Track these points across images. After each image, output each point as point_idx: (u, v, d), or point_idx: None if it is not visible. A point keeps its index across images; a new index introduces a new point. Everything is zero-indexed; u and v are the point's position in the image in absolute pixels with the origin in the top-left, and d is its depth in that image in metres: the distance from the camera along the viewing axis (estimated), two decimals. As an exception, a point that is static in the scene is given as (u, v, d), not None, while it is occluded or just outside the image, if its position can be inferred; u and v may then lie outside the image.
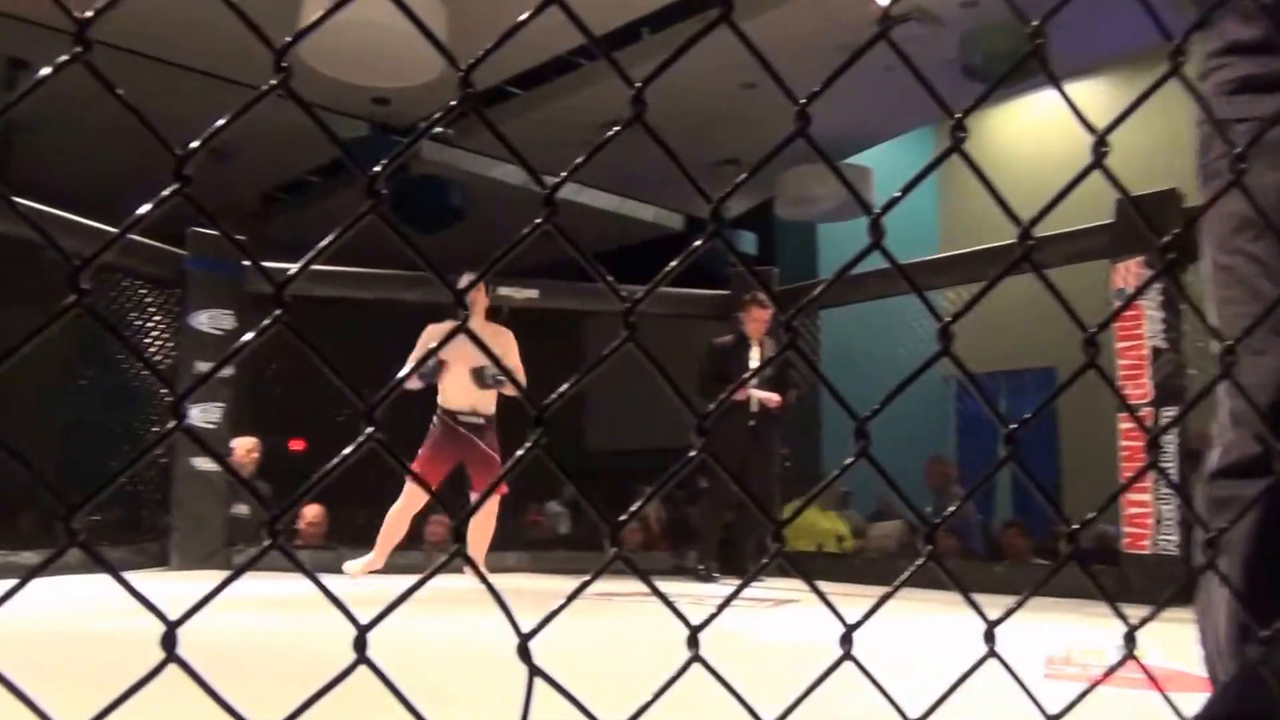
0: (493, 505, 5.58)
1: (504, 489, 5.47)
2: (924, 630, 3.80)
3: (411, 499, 5.51)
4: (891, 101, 8.92)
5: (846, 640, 0.87)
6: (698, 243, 0.78)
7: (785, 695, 0.86)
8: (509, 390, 5.59)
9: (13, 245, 5.40)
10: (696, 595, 4.95)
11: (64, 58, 0.82)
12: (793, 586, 4.92)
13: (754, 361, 6.32)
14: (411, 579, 0.82)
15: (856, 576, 5.84)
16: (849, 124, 9.41)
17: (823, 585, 0.93)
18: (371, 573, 5.60)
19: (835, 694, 0.99)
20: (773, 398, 6.30)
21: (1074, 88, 9.13)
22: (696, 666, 0.84)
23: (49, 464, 6.27)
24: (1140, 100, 0.91)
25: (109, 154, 8.94)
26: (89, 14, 0.82)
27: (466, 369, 5.46)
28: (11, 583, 0.78)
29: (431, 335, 5.48)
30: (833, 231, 11.40)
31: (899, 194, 0.85)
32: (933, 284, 6.33)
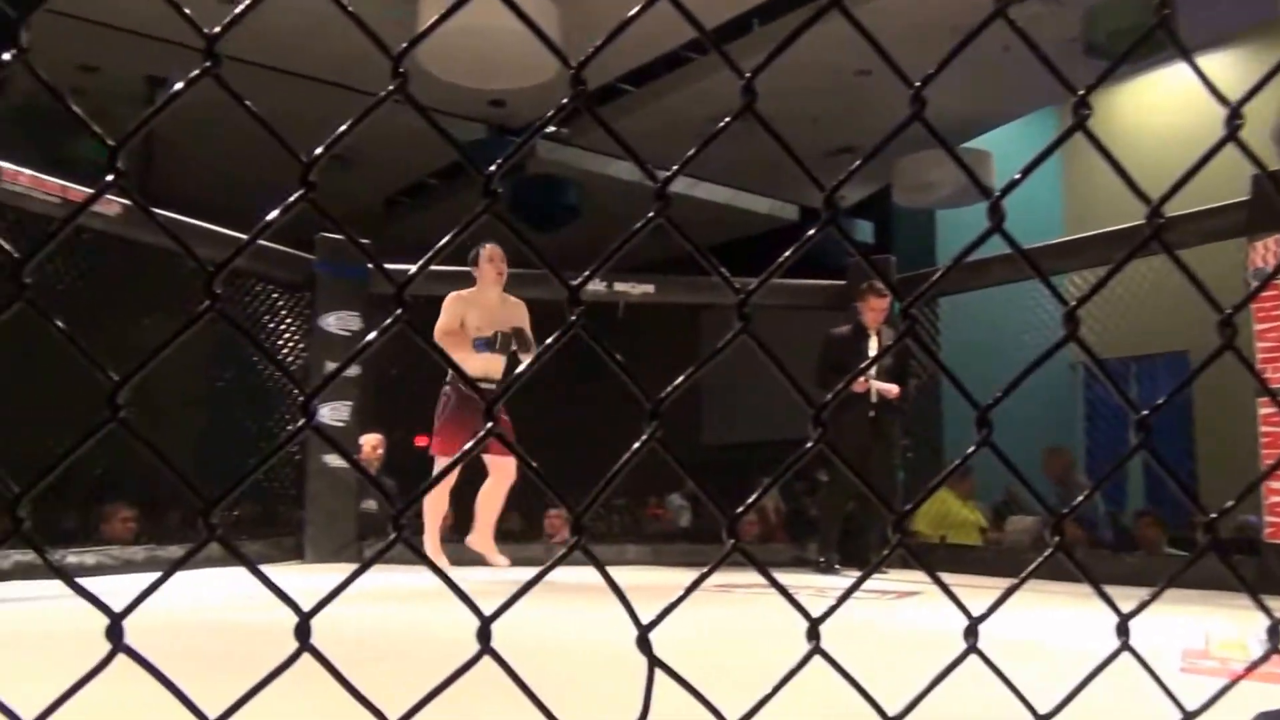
0: (506, 482, 5.56)
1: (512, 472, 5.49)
2: (1053, 623, 3.69)
3: (446, 480, 5.42)
4: (1011, 83, 8.65)
5: (972, 633, 0.86)
6: (810, 232, 0.78)
7: (908, 688, 0.85)
8: (526, 358, 5.55)
9: (156, 255, 5.67)
10: (818, 587, 4.90)
11: (195, 72, 0.86)
12: (917, 579, 4.84)
13: (873, 352, 6.22)
14: (532, 571, 0.84)
15: (983, 569, 5.68)
16: (967, 107, 9.18)
17: (948, 577, 0.91)
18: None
19: (960, 688, 0.96)
20: (892, 389, 6.19)
21: (1202, 61, 8.74)
22: (818, 659, 0.83)
23: (191, 463, 6.54)
24: (1276, 70, 0.87)
25: (244, 164, 9.30)
26: (216, 30, 0.85)
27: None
28: (157, 576, 0.82)
29: (456, 304, 5.51)
30: (952, 218, 11.13)
31: (1019, 176, 0.83)
32: (1058, 268, 6.12)
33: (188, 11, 0.87)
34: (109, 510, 6.26)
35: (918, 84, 0.78)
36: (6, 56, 0.84)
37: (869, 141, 0.87)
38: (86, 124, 0.87)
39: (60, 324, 0.85)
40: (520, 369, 5.53)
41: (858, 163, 0.85)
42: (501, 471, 5.54)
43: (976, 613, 0.87)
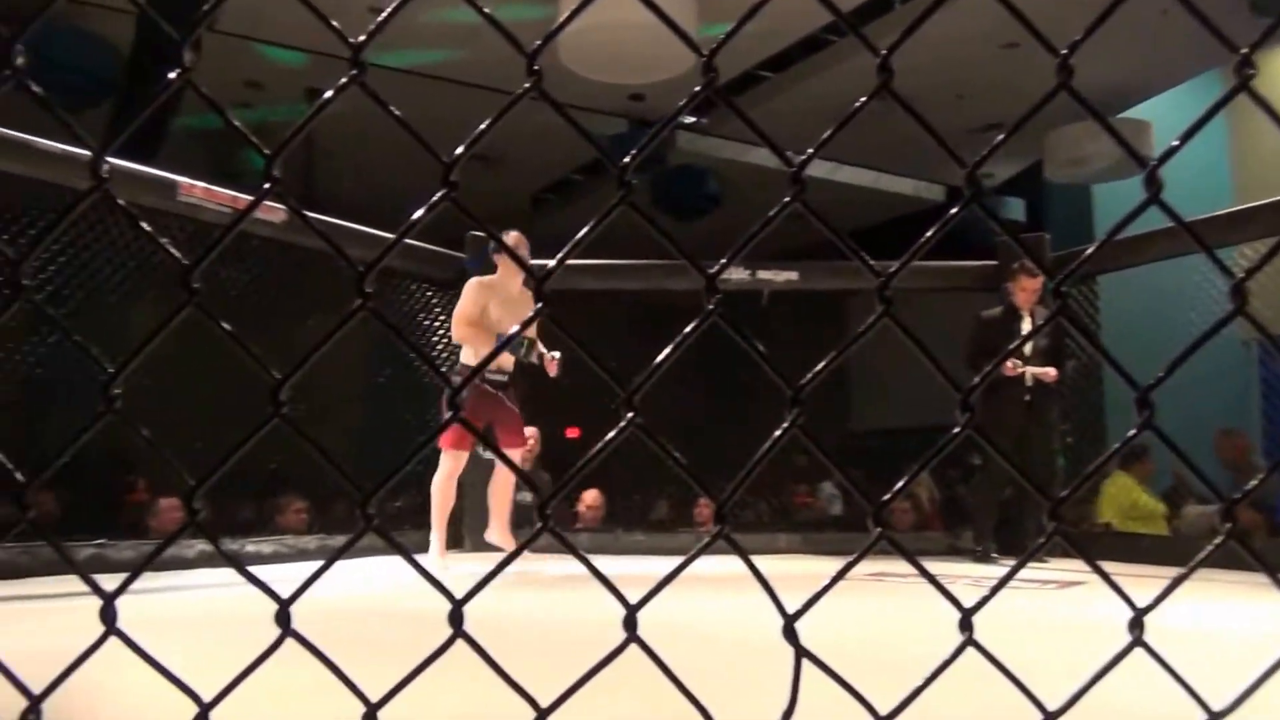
0: (512, 473, 5.50)
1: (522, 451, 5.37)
2: (1230, 615, 3.51)
3: (454, 464, 5.29)
4: (1170, 47, 8.23)
5: (1137, 624, 0.82)
6: (952, 211, 0.75)
7: (1069, 682, 0.82)
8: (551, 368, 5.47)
9: (318, 258, 5.92)
10: (974, 577, 4.77)
11: (343, 80, 0.89)
12: (1081, 568, 4.66)
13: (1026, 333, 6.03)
14: (678, 560, 0.84)
15: (1156, 557, 5.40)
16: (1123, 75, 8.77)
17: (1120, 567, 0.87)
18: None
19: (1126, 682, 0.92)
20: (1049, 372, 5.96)
21: (1393, 11, 8.12)
22: (972, 651, 0.81)
23: (352, 457, 6.81)
24: None
25: (398, 167, 9.62)
26: (361, 38, 0.88)
27: (505, 328, 5.31)
28: (315, 565, 0.86)
29: (479, 290, 5.43)
30: (1110, 192, 10.64)
31: (1176, 143, 0.79)
32: (1226, 240, 5.78)
33: (336, 24, 0.90)
34: (283, 502, 6.57)
35: (1064, 52, 0.75)
36: (172, 75, 0.88)
37: (1017, 117, 0.84)
38: (246, 137, 0.91)
39: (227, 326, 0.90)
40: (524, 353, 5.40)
41: (1000, 138, 0.82)
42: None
43: (1143, 604, 0.83)
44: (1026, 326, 6.04)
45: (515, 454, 5.43)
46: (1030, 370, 5.93)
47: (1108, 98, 9.08)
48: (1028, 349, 5.95)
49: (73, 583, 0.90)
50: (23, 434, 6.15)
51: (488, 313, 5.35)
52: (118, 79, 8.24)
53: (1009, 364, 5.73)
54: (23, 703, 0.87)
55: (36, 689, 0.88)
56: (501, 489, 5.58)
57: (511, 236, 5.37)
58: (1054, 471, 6.38)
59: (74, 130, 0.88)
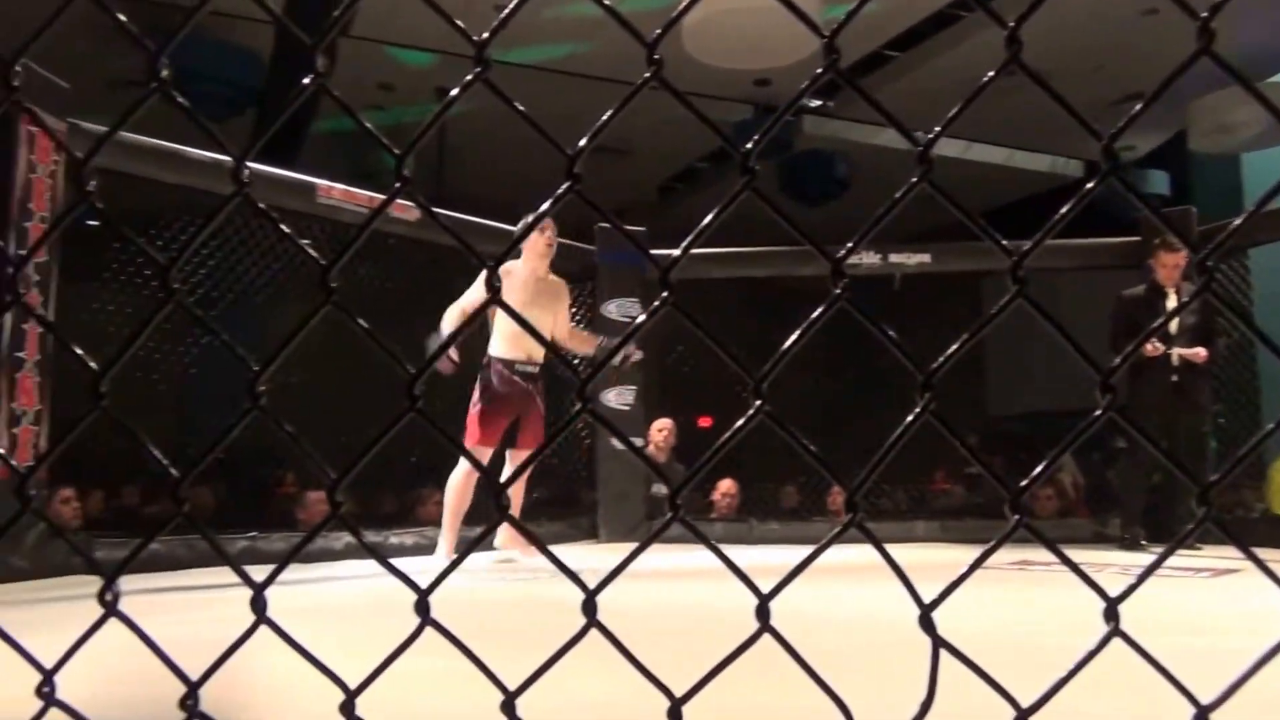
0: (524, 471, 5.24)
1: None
2: None
3: (472, 470, 4.93)
4: (1328, 5, 7.76)
5: None
6: (1088, 186, 0.72)
7: (1222, 674, 0.78)
8: (588, 348, 5.25)
9: (452, 255, 6.05)
10: (1121, 565, 4.59)
11: (468, 78, 0.90)
12: (1234, 556, 4.42)
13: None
14: (812, 549, 0.83)
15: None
16: (1270, 36, 8.28)
17: (1272, 555, 0.83)
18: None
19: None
20: (1198, 353, 5.69)
21: None
22: (1118, 642, 0.78)
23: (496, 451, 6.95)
24: None
25: (526, 162, 9.77)
26: (484, 35, 0.90)
27: (528, 314, 5.07)
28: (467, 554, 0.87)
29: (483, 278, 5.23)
30: (1261, 161, 10.04)
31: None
32: (1396, 209, 5.41)
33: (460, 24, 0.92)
34: (424, 494, 6.74)
35: (1204, 15, 0.71)
36: (306, 81, 0.91)
37: (1158, 86, 0.79)
38: (377, 138, 0.94)
39: (363, 323, 0.92)
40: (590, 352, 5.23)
41: (1138, 108, 0.78)
42: (519, 461, 5.09)
43: (1306, 593, 0.79)
44: (1171, 303, 5.77)
45: (524, 456, 5.05)
46: (1177, 351, 5.66)
47: (1254, 61, 8.58)
48: (1173, 328, 5.69)
49: (227, 574, 0.94)
50: (179, 432, 6.47)
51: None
52: (261, 87, 8.58)
53: (1150, 344, 5.49)
54: (182, 688, 0.91)
55: (194, 676, 0.92)
56: (513, 491, 5.07)
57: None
58: (1204, 455, 6.09)
59: (216, 138, 0.92)
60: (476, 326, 5.03)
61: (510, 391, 4.98)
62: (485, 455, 4.94)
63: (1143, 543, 5.86)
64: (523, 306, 4.81)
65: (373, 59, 8.88)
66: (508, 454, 5.14)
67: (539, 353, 5.04)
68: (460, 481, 4.99)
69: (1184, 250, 5.64)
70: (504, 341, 5.06)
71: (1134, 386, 5.75)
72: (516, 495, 5.14)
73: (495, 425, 4.99)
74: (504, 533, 5.01)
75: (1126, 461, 6.17)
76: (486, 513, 5.15)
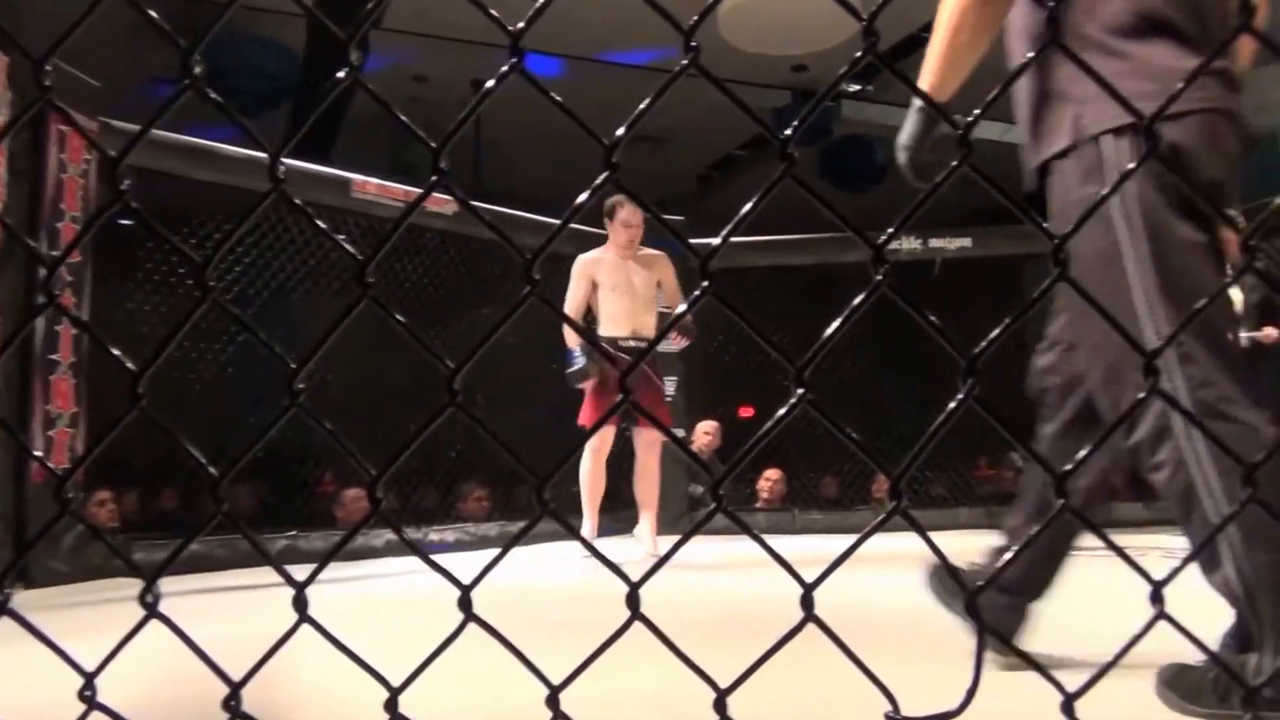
0: (655, 456, 5.17)
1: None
2: None
3: (595, 443, 4.94)
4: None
5: None
6: (1130, 166, 0.70)
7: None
8: (680, 341, 5.25)
9: (492, 248, 6.06)
10: (1166, 549, 4.50)
11: (503, 69, 0.89)
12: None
13: (1233, 293, 5.59)
14: (853, 538, 0.82)
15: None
16: None
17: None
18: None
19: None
20: (1270, 333, 5.46)
21: None
22: (1165, 626, 0.76)
23: (528, 443, 6.95)
24: None
25: (569, 155, 9.77)
26: (520, 25, 0.89)
27: (626, 293, 5.13)
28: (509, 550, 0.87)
29: (583, 268, 5.23)
30: None
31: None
32: None
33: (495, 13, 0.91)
34: (465, 490, 6.76)
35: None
36: (340, 74, 0.91)
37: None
38: (413, 131, 0.93)
39: (401, 319, 0.92)
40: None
41: (1180, 85, 0.76)
42: (647, 446, 5.22)
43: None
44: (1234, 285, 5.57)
45: (652, 438, 5.15)
46: (1243, 333, 5.34)
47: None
48: (1238, 308, 5.33)
49: (267, 575, 0.94)
50: (216, 431, 6.53)
51: (599, 285, 5.21)
52: (295, 81, 8.62)
53: (1266, 331, 5.33)
54: (224, 689, 0.91)
55: (236, 676, 0.92)
56: (647, 481, 5.28)
57: (625, 211, 5.17)
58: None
59: (251, 134, 0.92)
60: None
61: (612, 375, 5.04)
62: (602, 438, 5.00)
63: None
64: (613, 289, 5.14)
65: (408, 50, 8.91)
66: (634, 431, 5.32)
67: (647, 327, 5.18)
68: (590, 466, 5.07)
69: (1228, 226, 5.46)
70: (606, 321, 5.22)
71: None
72: (648, 490, 5.27)
73: (606, 403, 4.99)
74: (641, 527, 5.25)
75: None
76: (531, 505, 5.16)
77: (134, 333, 5.09)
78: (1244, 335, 5.33)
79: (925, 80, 2.24)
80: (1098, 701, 0.79)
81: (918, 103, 2.34)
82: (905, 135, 2.33)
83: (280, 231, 5.49)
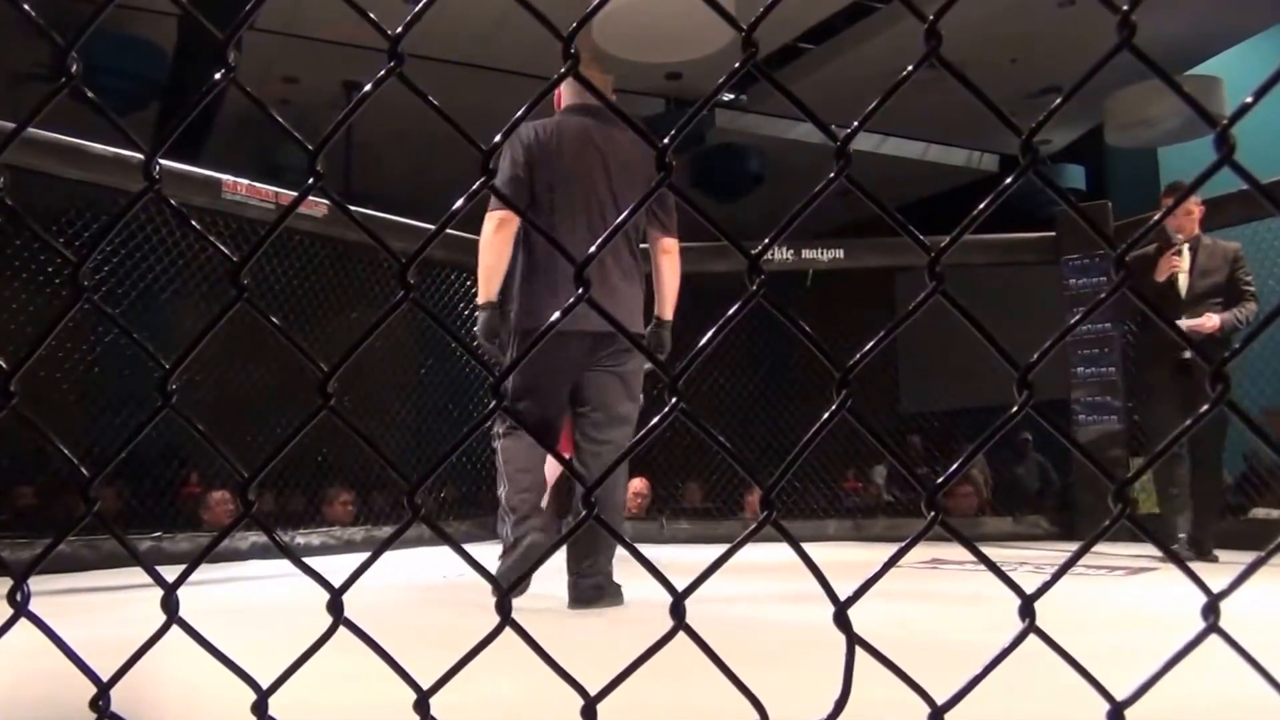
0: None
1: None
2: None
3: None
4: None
5: (1212, 610, 0.78)
6: (1007, 181, 0.73)
7: (1134, 670, 0.79)
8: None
9: (362, 251, 5.96)
10: (1035, 563, 4.69)
11: (381, 73, 0.88)
12: (1150, 553, 4.52)
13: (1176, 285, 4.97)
14: (724, 548, 0.83)
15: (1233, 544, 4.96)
16: (1190, 29, 8.38)
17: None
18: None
19: (1198, 672, 0.89)
20: (1203, 323, 4.75)
21: None
22: (1035, 640, 0.79)
23: (400, 448, 6.86)
24: None
25: (437, 160, 9.65)
26: (398, 30, 0.88)
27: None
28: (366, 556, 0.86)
29: None
30: (1177, 155, 10.09)
31: (1250, 100, 0.75)
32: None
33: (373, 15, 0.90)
34: (330, 494, 6.64)
35: (1124, 8, 0.72)
36: (217, 76, 0.89)
37: (1076, 79, 0.80)
38: (289, 132, 0.92)
39: (275, 321, 0.91)
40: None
41: (1058, 101, 0.79)
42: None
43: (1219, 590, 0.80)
44: (1185, 262, 4.90)
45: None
46: (1184, 321, 4.74)
47: (1174, 53, 8.65)
48: (1183, 291, 4.88)
49: (132, 575, 0.93)
50: (84, 431, 6.29)
51: None
52: (164, 81, 8.35)
53: (1168, 260, 4.80)
54: (92, 689, 0.91)
55: (104, 676, 0.91)
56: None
57: None
58: (1220, 451, 5.13)
59: (127, 134, 0.90)
60: None
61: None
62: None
63: (1212, 553, 4.80)
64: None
65: (277, 51, 8.70)
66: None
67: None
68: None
69: (1196, 196, 4.84)
70: None
71: (1141, 370, 5.23)
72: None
73: None
74: None
75: (1205, 462, 5.01)
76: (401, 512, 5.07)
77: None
78: (1184, 323, 4.74)
79: (482, 292, 3.25)
80: (967, 713, 0.82)
81: (482, 300, 3.28)
82: (485, 330, 3.31)
83: (149, 232, 5.29)
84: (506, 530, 3.28)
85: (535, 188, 3.29)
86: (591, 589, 3.23)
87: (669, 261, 3.53)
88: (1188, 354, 4.71)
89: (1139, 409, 6.14)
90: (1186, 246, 4.92)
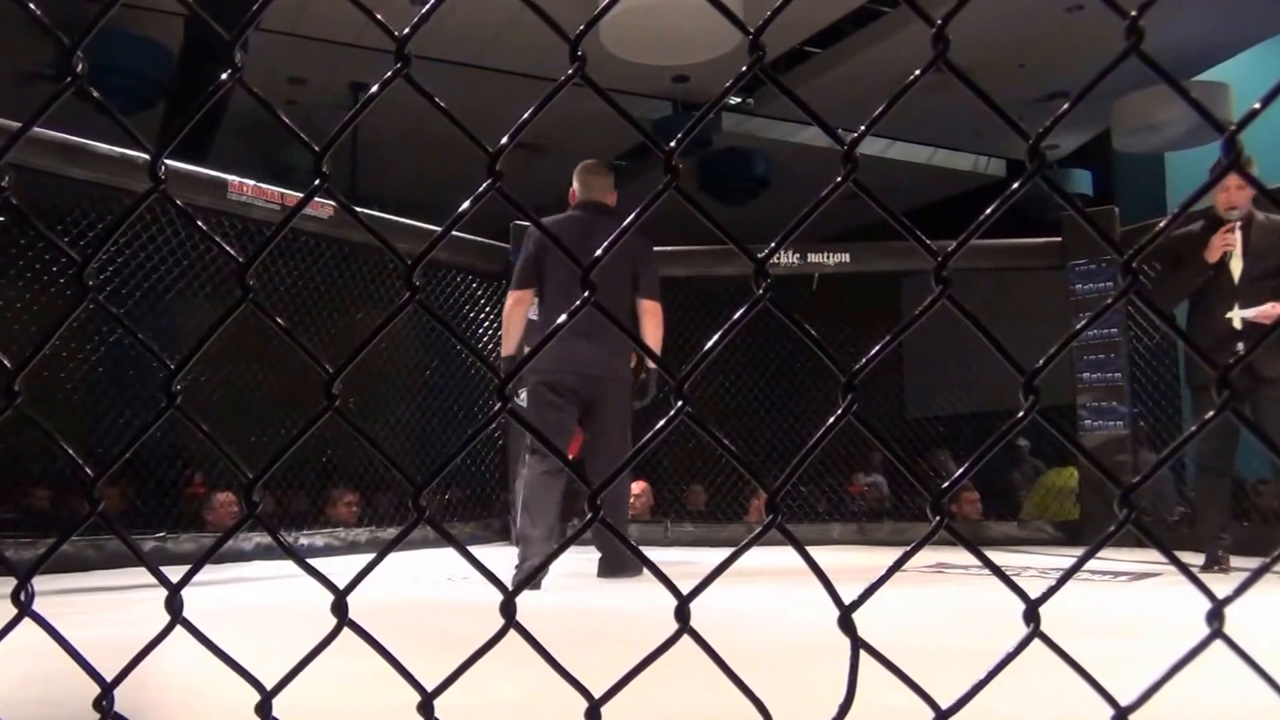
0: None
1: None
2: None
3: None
4: (1250, 1, 7.96)
5: (1215, 616, 0.78)
6: (1014, 186, 0.73)
7: (1139, 675, 0.79)
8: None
9: (368, 252, 5.96)
10: (1040, 569, 4.67)
11: (388, 74, 0.88)
12: (1157, 559, 4.50)
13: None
14: (729, 551, 0.83)
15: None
16: (1198, 34, 8.37)
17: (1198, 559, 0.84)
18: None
19: (1199, 678, 0.89)
20: (1266, 310, 4.25)
21: None
22: (1039, 645, 0.79)
23: (405, 449, 6.86)
24: None
25: (443, 161, 9.65)
26: (405, 31, 0.88)
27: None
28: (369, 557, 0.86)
29: None
30: (1185, 161, 10.06)
31: (1258, 105, 0.75)
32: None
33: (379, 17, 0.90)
34: (335, 494, 6.64)
35: (1133, 13, 0.71)
36: (224, 76, 0.89)
37: (1083, 84, 0.80)
38: (295, 133, 0.92)
39: (280, 322, 0.91)
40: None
41: (1065, 107, 0.79)
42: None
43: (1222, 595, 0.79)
44: (1237, 238, 4.35)
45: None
46: (1237, 313, 4.29)
47: (1182, 59, 8.65)
48: (1235, 275, 4.35)
49: (136, 575, 0.93)
50: (88, 431, 6.31)
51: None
52: (170, 81, 8.37)
53: (1222, 237, 4.30)
54: (95, 689, 0.91)
55: (108, 676, 0.92)
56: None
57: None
58: None
59: (133, 134, 0.90)
60: None
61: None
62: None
63: (1222, 558, 4.45)
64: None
65: (284, 52, 8.71)
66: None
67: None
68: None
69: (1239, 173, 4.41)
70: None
71: (1190, 370, 4.70)
72: None
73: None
74: None
75: (1206, 470, 4.70)
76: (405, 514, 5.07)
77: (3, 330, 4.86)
78: (1238, 314, 4.32)
79: (504, 350, 4.29)
80: (972, 718, 0.81)
81: (504, 355, 4.34)
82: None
83: (155, 232, 5.30)
84: (517, 537, 3.64)
85: (544, 271, 4.39)
86: (615, 564, 4.21)
87: (651, 319, 4.42)
88: (1240, 346, 4.23)
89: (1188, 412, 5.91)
90: (1239, 225, 4.36)
